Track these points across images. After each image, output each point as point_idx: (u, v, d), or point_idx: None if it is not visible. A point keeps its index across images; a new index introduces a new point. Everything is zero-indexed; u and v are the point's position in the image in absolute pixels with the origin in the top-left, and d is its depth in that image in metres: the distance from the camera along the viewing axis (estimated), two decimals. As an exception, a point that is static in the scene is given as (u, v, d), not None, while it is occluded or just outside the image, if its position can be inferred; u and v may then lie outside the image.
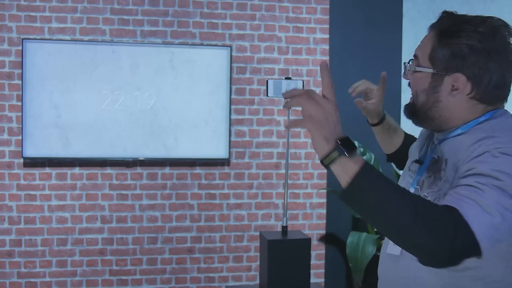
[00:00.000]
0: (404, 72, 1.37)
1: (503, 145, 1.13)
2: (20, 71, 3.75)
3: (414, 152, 1.51)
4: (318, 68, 4.15)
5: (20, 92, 3.75)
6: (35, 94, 3.73)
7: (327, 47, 4.15)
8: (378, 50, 4.19)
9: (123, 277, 3.95)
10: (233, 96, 4.03)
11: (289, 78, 3.17)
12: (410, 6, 4.19)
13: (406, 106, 1.37)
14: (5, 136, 3.78)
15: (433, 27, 1.31)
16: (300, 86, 3.17)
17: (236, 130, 4.05)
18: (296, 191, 4.13)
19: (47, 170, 3.83)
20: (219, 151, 3.96)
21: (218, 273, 4.07)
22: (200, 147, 3.94)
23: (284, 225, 3.24)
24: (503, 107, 1.30)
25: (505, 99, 1.28)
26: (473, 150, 1.16)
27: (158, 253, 3.99)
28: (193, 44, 3.94)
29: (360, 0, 4.18)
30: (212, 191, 4.03)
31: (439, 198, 1.24)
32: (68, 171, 3.86)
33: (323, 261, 4.21)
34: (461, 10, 1.36)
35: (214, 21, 4.00)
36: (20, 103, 3.76)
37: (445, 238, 1.00)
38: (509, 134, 1.17)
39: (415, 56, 1.33)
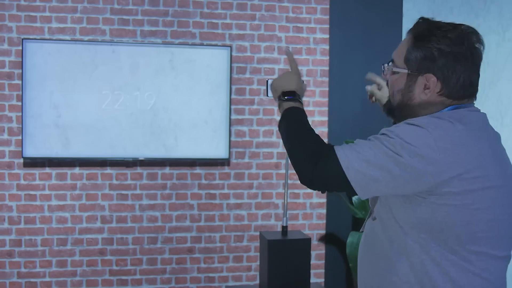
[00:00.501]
0: (383, 72, 1.52)
1: (414, 120, 1.32)
2: (20, 71, 3.75)
3: None
4: (318, 68, 4.15)
5: (20, 92, 3.75)
6: (35, 94, 3.73)
7: (327, 47, 4.15)
8: (378, 50, 4.19)
9: (123, 277, 3.95)
10: (233, 96, 4.03)
11: (289, 78, 3.16)
12: (410, 6, 4.19)
13: (384, 105, 1.57)
14: (5, 136, 3.78)
15: (409, 31, 1.43)
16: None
17: (236, 130, 4.05)
18: (296, 191, 4.13)
19: (47, 170, 3.83)
20: (219, 151, 3.96)
21: (218, 273, 4.07)
22: (200, 147, 3.94)
23: (284, 225, 3.24)
24: (472, 103, 1.43)
25: (472, 96, 1.41)
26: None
27: (158, 253, 3.99)
28: (193, 44, 3.94)
29: (360, 0, 4.18)
30: (212, 191, 4.03)
31: None
32: (68, 171, 3.86)
33: (323, 261, 4.21)
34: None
35: (214, 21, 4.00)
36: (20, 103, 3.77)
37: (310, 161, 1.32)
38: (439, 119, 1.32)
39: (392, 58, 1.47)
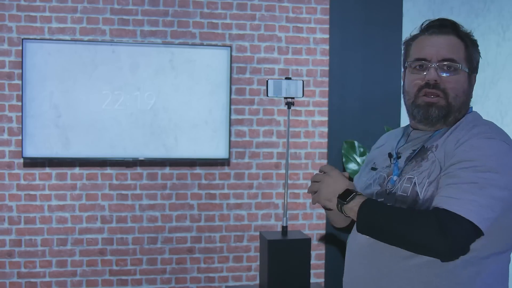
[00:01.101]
0: (430, 72, 1.44)
1: (486, 131, 1.34)
2: (20, 71, 3.75)
3: (383, 152, 1.62)
4: (318, 68, 4.15)
5: (20, 92, 3.75)
6: (35, 94, 3.73)
7: (327, 47, 4.15)
8: (378, 50, 4.19)
9: (123, 277, 3.95)
10: (233, 96, 4.03)
11: (289, 78, 3.17)
12: (410, 6, 4.19)
13: (436, 108, 1.44)
14: (5, 136, 3.78)
15: (450, 31, 1.45)
16: (300, 86, 3.17)
17: (236, 130, 4.05)
18: (296, 191, 4.13)
19: (47, 170, 3.83)
20: (219, 151, 3.96)
21: (218, 273, 4.07)
22: (200, 147, 3.94)
23: (284, 225, 3.24)
24: None
25: None
26: (461, 136, 1.37)
27: (158, 253, 3.99)
28: (193, 44, 3.94)
29: (360, 0, 4.18)
30: (212, 191, 4.04)
31: (428, 175, 1.39)
32: (68, 171, 3.86)
33: (323, 261, 4.20)
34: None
35: (214, 21, 4.00)
36: (20, 103, 3.77)
37: (439, 236, 1.19)
38: (485, 123, 1.42)
39: (449, 59, 1.43)
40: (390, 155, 1.54)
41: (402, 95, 1.57)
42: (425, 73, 1.44)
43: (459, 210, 1.21)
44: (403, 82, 1.54)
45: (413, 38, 1.52)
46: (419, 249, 1.24)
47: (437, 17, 1.47)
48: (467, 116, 1.47)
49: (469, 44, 1.46)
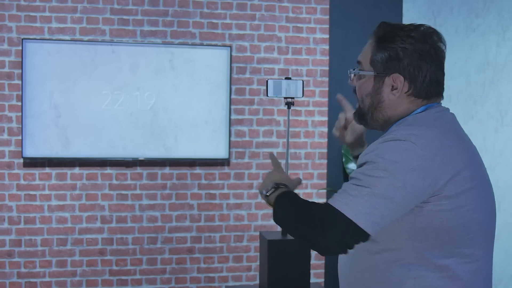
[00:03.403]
0: (350, 78, 1.49)
1: (391, 136, 1.28)
2: (20, 71, 3.75)
3: None
4: (318, 68, 4.15)
5: (20, 92, 3.75)
6: (35, 94, 3.73)
7: (327, 47, 4.15)
8: (378, 50, 4.19)
9: (123, 277, 3.95)
10: (233, 96, 4.03)
11: (289, 78, 3.17)
12: (410, 6, 4.19)
13: (355, 112, 1.50)
14: (5, 136, 3.78)
15: (372, 34, 1.44)
16: (300, 86, 3.17)
17: (236, 130, 4.05)
18: (296, 191, 4.13)
19: (47, 170, 3.83)
20: (219, 151, 3.96)
21: (218, 273, 4.07)
22: (200, 147, 3.94)
23: (284, 225, 3.24)
24: (439, 102, 1.44)
25: (439, 94, 1.42)
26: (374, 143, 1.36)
27: (158, 253, 3.99)
28: (193, 44, 3.94)
29: (360, 0, 4.18)
30: (212, 191, 4.04)
31: None
32: (68, 171, 3.86)
33: (323, 261, 4.21)
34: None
35: (214, 21, 4.00)
36: (20, 103, 3.77)
37: (320, 231, 1.23)
38: (416, 126, 1.31)
39: (358, 62, 1.46)
40: None
41: None
42: None
43: (341, 208, 1.23)
44: None
45: None
46: (304, 242, 1.28)
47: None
48: (401, 120, 1.39)
49: (378, 44, 1.40)
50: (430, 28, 1.40)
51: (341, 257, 1.47)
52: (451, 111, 1.45)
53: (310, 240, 1.25)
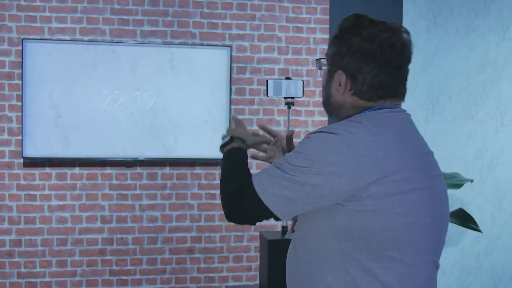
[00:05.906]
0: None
1: (328, 128, 1.27)
2: (20, 71, 3.75)
3: None
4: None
5: (20, 92, 3.75)
6: (35, 94, 3.73)
7: (327, 47, 4.15)
8: (378, 50, 4.19)
9: (123, 277, 3.95)
10: (233, 96, 4.03)
11: (289, 78, 3.17)
12: (410, 6, 4.19)
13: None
14: (5, 136, 3.78)
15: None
16: (300, 86, 3.17)
17: (236, 130, 4.05)
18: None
19: (47, 170, 3.83)
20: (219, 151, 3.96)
21: (218, 273, 4.07)
22: (200, 147, 3.94)
23: (284, 225, 3.24)
24: (397, 104, 1.36)
25: (392, 96, 1.34)
26: None
27: (158, 253, 3.99)
28: (193, 44, 3.94)
29: (360, 0, 4.18)
30: (212, 191, 4.04)
31: None
32: (68, 171, 3.86)
33: (323, 261, 4.20)
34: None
35: (214, 21, 4.00)
36: (20, 103, 3.77)
37: (234, 198, 1.30)
38: (355, 123, 1.26)
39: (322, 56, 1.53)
40: None
41: None
42: None
43: (255, 183, 1.30)
44: None
45: None
46: (222, 203, 1.37)
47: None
48: (351, 118, 1.34)
49: (333, 37, 1.39)
50: (391, 27, 1.33)
51: (288, 258, 1.45)
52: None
53: (225, 205, 1.34)
